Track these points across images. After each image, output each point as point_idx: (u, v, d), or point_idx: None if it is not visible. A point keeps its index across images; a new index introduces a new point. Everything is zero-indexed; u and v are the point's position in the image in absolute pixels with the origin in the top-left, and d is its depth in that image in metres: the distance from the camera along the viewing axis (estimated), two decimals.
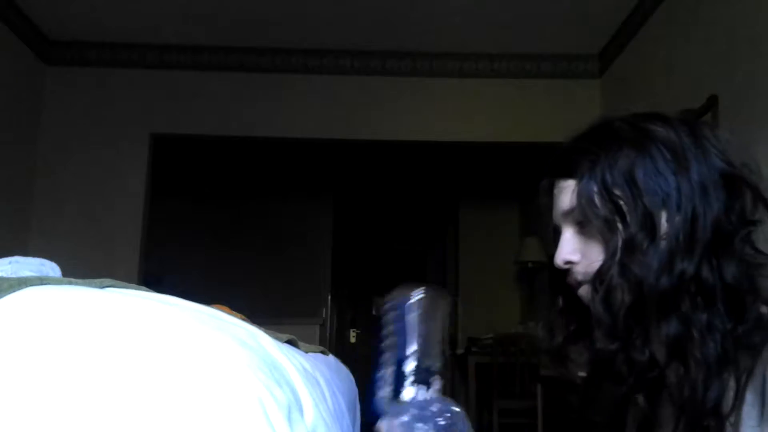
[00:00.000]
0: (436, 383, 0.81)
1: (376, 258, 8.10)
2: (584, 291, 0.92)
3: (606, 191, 0.87)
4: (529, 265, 5.63)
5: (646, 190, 0.86)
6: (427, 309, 0.80)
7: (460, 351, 5.65)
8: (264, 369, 0.64)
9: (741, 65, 2.76)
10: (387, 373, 0.80)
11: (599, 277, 0.87)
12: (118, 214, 4.12)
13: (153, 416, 0.53)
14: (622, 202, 0.87)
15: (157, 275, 4.57)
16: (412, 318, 0.80)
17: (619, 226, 0.86)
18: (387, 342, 0.81)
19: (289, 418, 0.62)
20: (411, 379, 0.78)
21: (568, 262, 0.93)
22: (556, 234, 0.95)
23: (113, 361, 0.55)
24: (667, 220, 0.85)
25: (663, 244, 0.84)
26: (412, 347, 0.79)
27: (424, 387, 0.80)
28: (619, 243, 0.86)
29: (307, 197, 5.93)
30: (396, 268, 8.21)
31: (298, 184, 5.92)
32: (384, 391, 0.79)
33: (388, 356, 0.80)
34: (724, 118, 2.81)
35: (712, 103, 2.88)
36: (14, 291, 0.63)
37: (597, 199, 0.88)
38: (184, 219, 5.64)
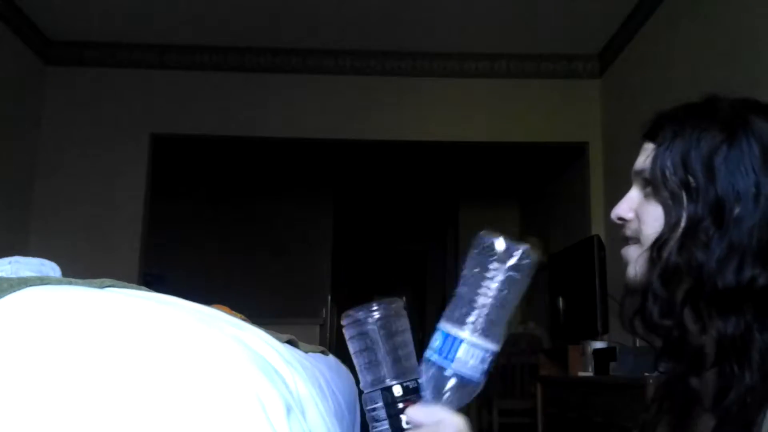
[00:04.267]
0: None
1: (376, 258, 8.11)
2: (626, 252, 0.91)
3: (681, 165, 0.84)
4: None
5: (721, 178, 0.81)
6: (390, 325, 0.74)
7: None
8: (264, 369, 0.64)
9: (741, 65, 2.76)
10: (377, 405, 0.73)
11: (656, 247, 0.84)
12: (118, 214, 4.12)
13: (153, 416, 0.53)
14: (692, 180, 0.83)
15: (157, 275, 4.57)
16: (377, 337, 0.74)
17: (685, 202, 0.83)
18: (361, 363, 0.75)
19: (289, 418, 0.62)
20: (402, 405, 0.73)
21: (621, 219, 0.92)
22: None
23: (114, 362, 0.55)
24: (738, 217, 0.80)
25: (730, 237, 0.79)
26: (388, 369, 0.74)
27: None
28: (683, 219, 0.83)
29: (307, 197, 5.92)
30: (396, 268, 8.21)
31: (298, 184, 5.91)
32: (381, 425, 0.73)
33: (369, 380, 0.74)
34: None
35: None
36: (14, 291, 0.63)
37: (668, 171, 0.85)
38: (184, 219, 5.63)
